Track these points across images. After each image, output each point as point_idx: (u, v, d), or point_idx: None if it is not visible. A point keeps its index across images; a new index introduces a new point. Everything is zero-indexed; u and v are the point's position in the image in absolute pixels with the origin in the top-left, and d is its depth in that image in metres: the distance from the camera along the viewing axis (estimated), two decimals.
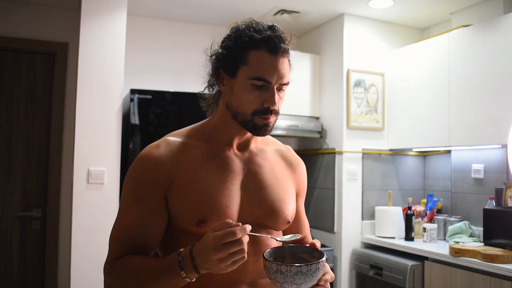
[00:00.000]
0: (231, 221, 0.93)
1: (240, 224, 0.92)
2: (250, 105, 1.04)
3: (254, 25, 1.05)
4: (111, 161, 2.63)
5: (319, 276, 0.94)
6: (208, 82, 1.13)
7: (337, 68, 3.36)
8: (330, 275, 1.02)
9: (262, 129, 1.06)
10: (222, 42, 1.10)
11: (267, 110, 1.04)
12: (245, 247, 0.90)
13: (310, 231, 3.80)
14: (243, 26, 1.06)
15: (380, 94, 3.41)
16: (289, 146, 1.27)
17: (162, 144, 1.08)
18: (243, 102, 1.04)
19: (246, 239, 0.90)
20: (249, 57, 1.03)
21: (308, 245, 1.05)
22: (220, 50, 1.08)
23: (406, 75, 3.29)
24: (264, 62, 1.02)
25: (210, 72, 1.12)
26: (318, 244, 1.04)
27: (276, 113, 1.06)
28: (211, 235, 0.90)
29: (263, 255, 0.96)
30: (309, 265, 0.91)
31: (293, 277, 0.90)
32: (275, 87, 1.04)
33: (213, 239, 0.89)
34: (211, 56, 1.11)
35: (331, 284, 3.50)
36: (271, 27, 1.05)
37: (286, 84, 1.06)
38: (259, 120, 1.05)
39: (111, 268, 1.03)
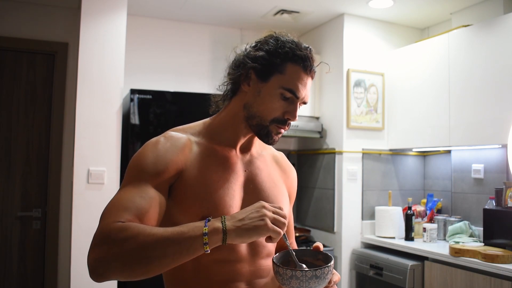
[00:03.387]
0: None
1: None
2: (273, 112, 1.07)
3: (294, 39, 1.10)
4: (111, 161, 2.63)
5: (330, 277, 0.96)
6: (234, 79, 1.12)
7: (337, 68, 3.36)
8: (337, 276, 1.04)
9: (273, 138, 1.10)
10: (262, 45, 1.10)
11: (286, 121, 1.08)
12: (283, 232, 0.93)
13: (310, 231, 3.81)
14: (285, 38, 1.10)
15: (380, 94, 3.41)
16: (282, 153, 1.30)
17: (170, 137, 1.08)
18: (267, 108, 1.07)
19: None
20: (287, 68, 1.06)
21: (311, 248, 1.07)
22: (258, 52, 1.09)
23: (406, 75, 3.29)
24: (298, 77, 1.07)
25: (237, 71, 1.11)
26: (321, 246, 1.06)
27: (290, 125, 1.11)
28: (265, 203, 0.94)
29: (273, 261, 0.98)
30: (323, 268, 0.93)
31: (308, 282, 0.92)
32: (298, 103, 1.09)
33: (267, 208, 0.92)
34: (247, 55, 1.10)
35: None
36: (307, 48, 1.10)
37: (306, 103, 1.11)
38: (274, 128, 1.08)
39: (115, 227, 0.87)
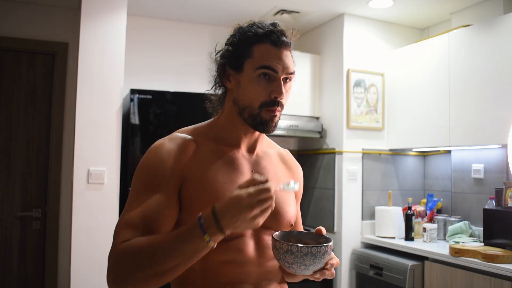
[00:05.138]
0: (257, 176, 0.92)
1: (267, 178, 0.92)
2: (257, 96, 1.06)
3: (256, 23, 1.10)
4: (111, 161, 2.63)
5: (326, 259, 0.96)
6: (215, 80, 1.15)
7: (337, 68, 3.36)
8: (336, 260, 1.04)
9: (268, 124, 1.08)
10: (227, 40, 1.13)
11: (274, 101, 1.06)
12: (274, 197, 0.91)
13: (310, 231, 3.80)
14: (246, 25, 1.11)
15: (380, 94, 3.41)
16: (287, 150, 1.30)
17: (175, 138, 1.09)
18: (250, 95, 1.06)
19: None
20: (254, 50, 1.06)
21: (313, 231, 1.07)
22: (225, 47, 1.11)
23: (406, 75, 3.29)
24: (268, 53, 1.06)
25: (216, 71, 1.14)
26: (323, 230, 1.06)
27: (282, 106, 1.09)
28: (243, 192, 0.89)
29: (272, 236, 0.98)
30: (319, 247, 0.93)
31: (302, 258, 0.92)
32: (281, 78, 1.07)
33: (248, 197, 0.88)
34: (216, 54, 1.13)
35: (332, 282, 3.50)
36: (273, 24, 1.09)
37: (292, 73, 1.09)
38: (266, 114, 1.07)
39: (119, 250, 0.93)
